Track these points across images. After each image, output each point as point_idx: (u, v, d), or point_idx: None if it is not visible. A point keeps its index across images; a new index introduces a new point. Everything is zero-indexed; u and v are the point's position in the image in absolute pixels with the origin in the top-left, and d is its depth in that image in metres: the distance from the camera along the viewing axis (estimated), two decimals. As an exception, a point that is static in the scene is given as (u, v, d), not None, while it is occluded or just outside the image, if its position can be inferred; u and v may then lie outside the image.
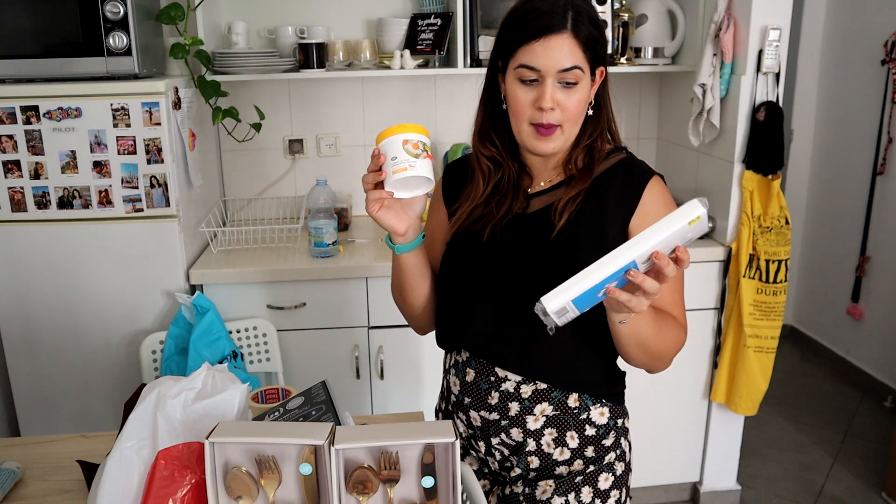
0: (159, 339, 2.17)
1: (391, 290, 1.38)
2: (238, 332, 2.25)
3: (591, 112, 1.22)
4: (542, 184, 1.27)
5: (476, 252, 1.25)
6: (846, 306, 3.66)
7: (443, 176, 1.39)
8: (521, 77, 1.16)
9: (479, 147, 1.28)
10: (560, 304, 0.98)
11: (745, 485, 2.77)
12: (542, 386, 1.23)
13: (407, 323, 1.41)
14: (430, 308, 1.35)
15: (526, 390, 1.23)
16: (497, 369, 1.24)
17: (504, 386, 1.24)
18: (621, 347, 1.18)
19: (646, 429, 2.14)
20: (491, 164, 1.27)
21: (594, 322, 1.17)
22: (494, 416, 1.25)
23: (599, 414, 1.26)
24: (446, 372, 1.35)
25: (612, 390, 1.29)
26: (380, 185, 1.14)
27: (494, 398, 1.25)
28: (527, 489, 1.28)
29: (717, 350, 2.48)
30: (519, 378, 1.23)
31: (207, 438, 0.95)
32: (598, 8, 2.39)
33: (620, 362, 1.29)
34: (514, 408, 1.24)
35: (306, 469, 0.96)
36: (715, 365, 2.49)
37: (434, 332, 1.39)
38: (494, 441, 1.28)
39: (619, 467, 1.29)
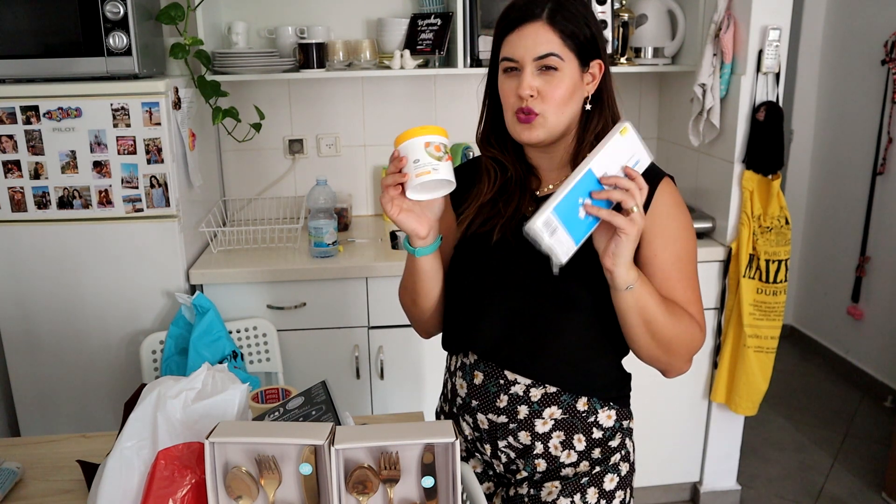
0: (159, 339, 2.17)
1: (399, 294, 1.37)
2: (238, 332, 2.25)
3: (588, 107, 1.21)
4: (550, 186, 1.27)
5: (485, 255, 1.25)
6: (846, 306, 3.66)
7: None
8: (505, 69, 1.19)
9: (482, 148, 1.30)
10: (543, 217, 1.03)
11: (745, 485, 2.77)
12: (552, 389, 1.22)
13: (410, 324, 1.40)
14: (439, 312, 1.34)
15: (535, 394, 1.22)
16: (506, 372, 1.23)
17: (513, 389, 1.23)
18: (629, 329, 1.15)
19: (646, 429, 2.13)
20: (496, 165, 1.28)
21: (603, 323, 1.18)
22: (502, 419, 1.25)
23: (607, 417, 1.25)
24: (452, 374, 1.34)
25: (620, 393, 1.28)
26: (399, 187, 1.13)
27: (503, 401, 1.24)
28: (532, 490, 1.27)
29: (717, 350, 2.48)
30: (528, 381, 1.22)
31: (207, 438, 0.95)
32: (599, 8, 2.39)
33: (627, 364, 1.29)
34: (523, 411, 1.23)
35: (306, 469, 0.96)
36: (715, 365, 2.49)
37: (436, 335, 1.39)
38: (501, 444, 1.27)
39: (624, 468, 1.29)
